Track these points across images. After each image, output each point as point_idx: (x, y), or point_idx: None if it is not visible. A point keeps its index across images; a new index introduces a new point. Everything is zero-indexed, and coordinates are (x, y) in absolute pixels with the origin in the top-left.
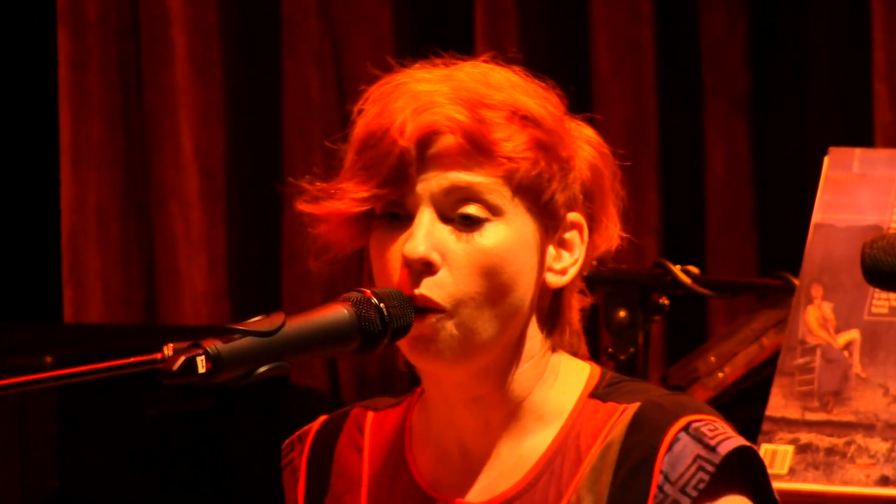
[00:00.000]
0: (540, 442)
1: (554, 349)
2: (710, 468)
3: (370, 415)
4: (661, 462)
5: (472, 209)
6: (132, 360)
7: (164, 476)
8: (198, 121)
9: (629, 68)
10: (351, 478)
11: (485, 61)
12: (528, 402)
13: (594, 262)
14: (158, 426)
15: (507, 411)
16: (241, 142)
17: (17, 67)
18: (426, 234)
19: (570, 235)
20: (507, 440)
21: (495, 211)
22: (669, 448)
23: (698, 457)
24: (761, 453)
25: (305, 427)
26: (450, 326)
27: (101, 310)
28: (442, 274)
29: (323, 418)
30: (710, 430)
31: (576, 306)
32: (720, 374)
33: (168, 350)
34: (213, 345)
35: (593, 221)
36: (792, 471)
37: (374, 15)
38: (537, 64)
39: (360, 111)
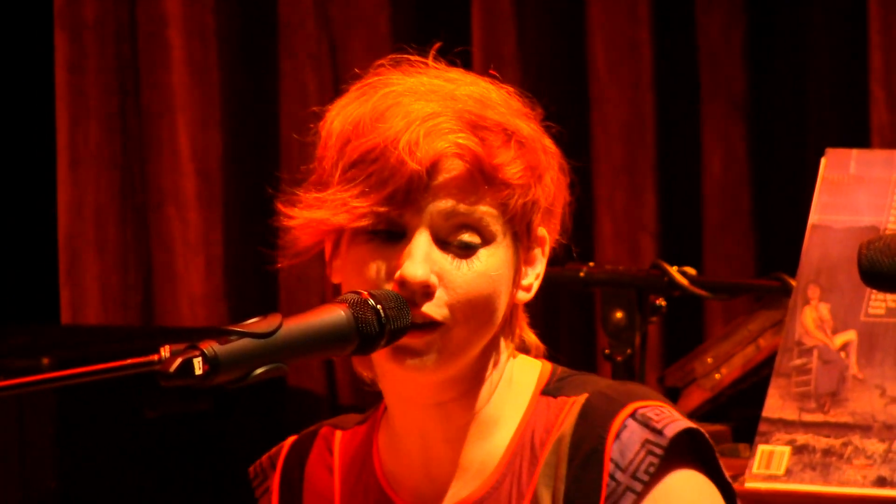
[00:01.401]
0: (498, 444)
1: (508, 351)
2: (658, 451)
3: (338, 434)
4: (611, 450)
5: (469, 237)
6: (129, 361)
7: (163, 477)
8: (195, 123)
9: (626, 70)
10: (323, 497)
11: (464, 71)
12: (488, 408)
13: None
14: (156, 428)
15: (470, 418)
16: (238, 144)
17: (15, 69)
18: (425, 257)
19: (535, 251)
20: (468, 446)
21: (487, 238)
22: (617, 436)
23: (647, 441)
24: (758, 454)
25: (274, 449)
26: (440, 342)
27: (98, 311)
28: (439, 293)
29: (291, 439)
30: (657, 415)
31: (523, 308)
32: (717, 376)
33: (165, 352)
34: (210, 346)
35: (552, 232)
36: (789, 472)
37: (372, 17)
38: (534, 67)
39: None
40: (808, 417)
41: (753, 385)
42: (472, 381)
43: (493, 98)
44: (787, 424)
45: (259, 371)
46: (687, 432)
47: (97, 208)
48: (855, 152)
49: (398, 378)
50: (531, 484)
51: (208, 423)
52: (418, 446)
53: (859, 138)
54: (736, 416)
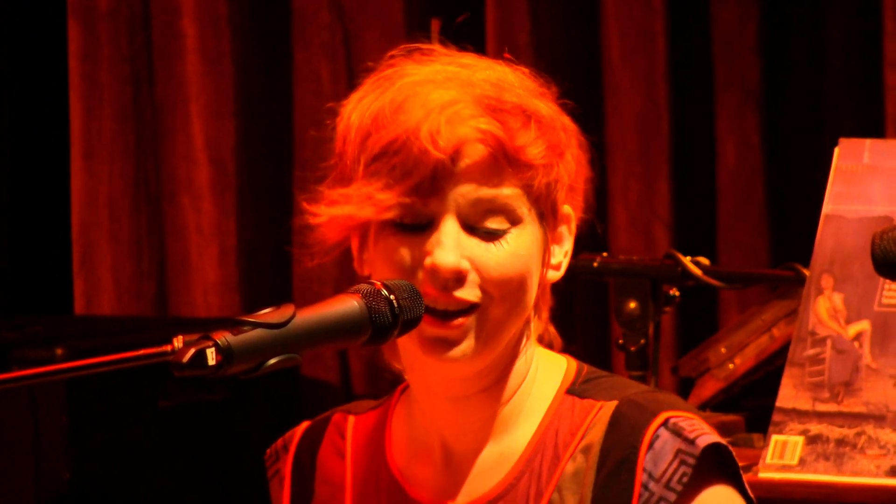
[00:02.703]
0: (519, 439)
1: (533, 344)
2: (691, 461)
3: (351, 419)
4: (644, 460)
5: (496, 222)
6: (143, 352)
7: (176, 468)
8: (209, 113)
9: (641, 60)
10: (334, 483)
11: (477, 55)
12: (513, 400)
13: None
14: (170, 418)
15: (496, 410)
16: (251, 133)
17: (29, 60)
18: (454, 244)
19: (562, 229)
20: (488, 439)
21: (515, 220)
22: (650, 446)
23: (679, 451)
24: (772, 444)
25: (288, 434)
26: (477, 325)
27: (111, 302)
28: (472, 277)
29: (304, 424)
30: (689, 425)
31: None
32: (731, 365)
33: (178, 342)
34: (224, 337)
35: (577, 209)
36: (802, 462)
37: (386, 7)
38: (549, 56)
39: (358, 103)
40: (821, 407)
41: (767, 375)
42: (503, 370)
43: (510, 81)
44: (800, 414)
45: (272, 361)
46: (717, 445)
47: (111, 198)
48: (869, 142)
49: (429, 371)
50: (550, 484)
51: (222, 414)
52: (438, 438)
53: (874, 128)
54: (749, 406)
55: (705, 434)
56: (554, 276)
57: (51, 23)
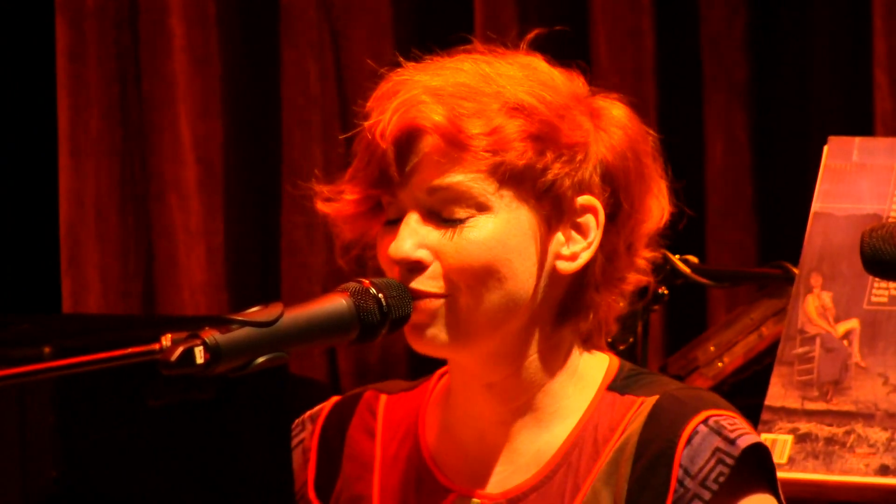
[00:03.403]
0: (557, 435)
1: (572, 339)
2: (729, 461)
3: (383, 398)
4: (681, 456)
5: (456, 210)
6: (131, 350)
7: (165, 466)
8: (196, 112)
9: (628, 58)
10: (363, 462)
11: (492, 50)
12: (543, 394)
13: (664, 242)
14: (158, 416)
15: (523, 401)
16: (239, 132)
17: (15, 58)
18: (410, 233)
19: (584, 219)
20: (524, 432)
21: (481, 207)
22: (689, 441)
23: (717, 449)
24: None
25: (317, 407)
26: (444, 311)
27: (99, 301)
28: (433, 267)
29: (335, 399)
30: (730, 424)
31: (605, 296)
32: (719, 364)
33: (166, 340)
34: (211, 335)
35: (618, 203)
36: (791, 460)
37: (374, 5)
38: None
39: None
40: (810, 406)
41: (756, 373)
42: (518, 359)
43: (489, 70)
44: (789, 413)
45: (260, 360)
46: (757, 446)
47: (98, 197)
48: (858, 140)
49: (451, 363)
50: (588, 479)
51: (210, 412)
52: (472, 426)
53: (862, 126)
54: (738, 405)
55: (747, 434)
56: (566, 266)
57: (38, 21)
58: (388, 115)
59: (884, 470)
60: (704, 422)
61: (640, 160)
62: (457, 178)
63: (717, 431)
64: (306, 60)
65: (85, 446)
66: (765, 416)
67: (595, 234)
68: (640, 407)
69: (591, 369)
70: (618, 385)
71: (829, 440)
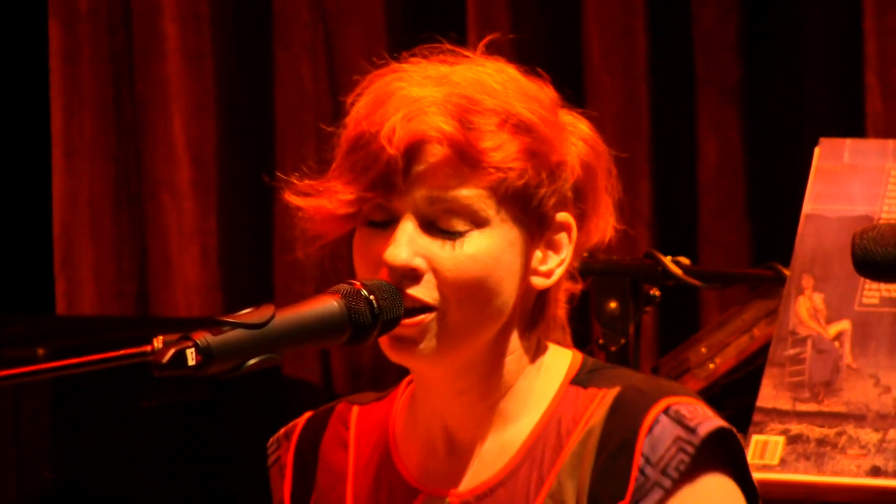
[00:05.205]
0: (522, 429)
1: (539, 342)
2: (690, 449)
3: (355, 409)
4: (642, 445)
5: (454, 222)
6: (123, 352)
7: (159, 467)
8: (190, 112)
9: (621, 58)
10: (336, 473)
11: (482, 52)
12: (511, 392)
13: (585, 253)
14: (153, 418)
15: (492, 402)
16: (233, 133)
17: (9, 59)
18: (408, 241)
19: (559, 237)
20: (491, 429)
21: (479, 223)
22: (649, 431)
23: (678, 438)
24: (752, 444)
25: (290, 424)
26: (435, 328)
27: (93, 302)
28: (427, 277)
29: (308, 414)
30: (690, 412)
31: (562, 300)
32: (711, 365)
33: (158, 342)
34: (203, 337)
35: (584, 218)
36: (783, 462)
37: (367, 6)
38: (529, 55)
39: (353, 104)
40: (802, 407)
41: (748, 375)
42: (488, 368)
43: (491, 80)
44: (781, 414)
45: (252, 361)
46: (719, 431)
47: (92, 198)
48: (849, 142)
49: (413, 369)
50: (552, 471)
51: (204, 413)
52: (440, 429)
53: (854, 127)
54: (730, 406)
55: (707, 420)
56: (541, 282)
57: (31, 22)
58: (395, 120)
59: (875, 471)
60: (665, 411)
61: (603, 176)
62: (462, 192)
63: (678, 420)
64: (300, 61)
65: (79, 447)
66: (756, 417)
67: (567, 251)
68: (603, 399)
69: (554, 365)
70: (581, 379)
71: (821, 441)
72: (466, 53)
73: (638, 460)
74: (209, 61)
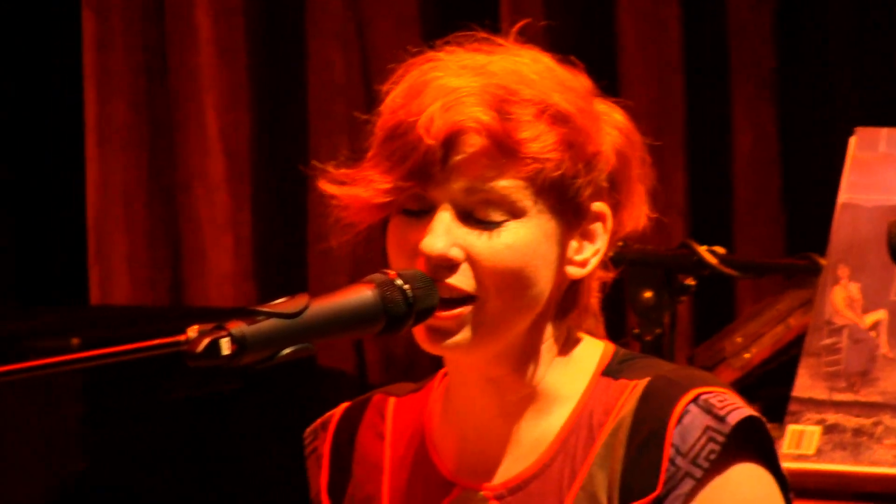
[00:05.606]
0: (554, 423)
1: (570, 332)
2: (720, 438)
3: (391, 401)
4: (672, 435)
5: (492, 213)
6: (157, 342)
7: (191, 457)
8: (223, 103)
9: (655, 48)
10: (373, 464)
11: (515, 40)
12: (543, 385)
13: (620, 242)
14: (185, 407)
15: (524, 394)
16: (265, 124)
17: (43, 50)
18: (445, 231)
19: (594, 227)
20: (522, 423)
21: (516, 213)
22: (679, 420)
23: (708, 428)
24: (788, 434)
25: (327, 414)
26: (475, 318)
27: (127, 292)
28: (464, 267)
29: (344, 405)
30: (720, 402)
31: (595, 288)
32: (746, 355)
33: (192, 332)
34: (237, 326)
35: (618, 207)
36: (819, 451)
37: None
38: (562, 44)
39: (389, 93)
40: (838, 397)
41: (783, 364)
42: (523, 356)
43: (528, 70)
44: (817, 404)
45: (286, 351)
46: (749, 420)
47: (125, 188)
48: (885, 131)
49: (446, 358)
50: (585, 463)
51: (239, 404)
52: (473, 421)
53: (890, 117)
54: (765, 396)
55: (737, 409)
56: (576, 272)
57: (66, 13)
58: (434, 110)
59: None
60: (695, 401)
61: (637, 165)
62: (500, 182)
63: (708, 410)
64: (332, 51)
65: (112, 437)
66: (792, 406)
67: (602, 241)
68: (633, 390)
69: (585, 356)
70: (612, 370)
71: (857, 431)
72: (500, 42)
73: (668, 451)
74: (241, 52)
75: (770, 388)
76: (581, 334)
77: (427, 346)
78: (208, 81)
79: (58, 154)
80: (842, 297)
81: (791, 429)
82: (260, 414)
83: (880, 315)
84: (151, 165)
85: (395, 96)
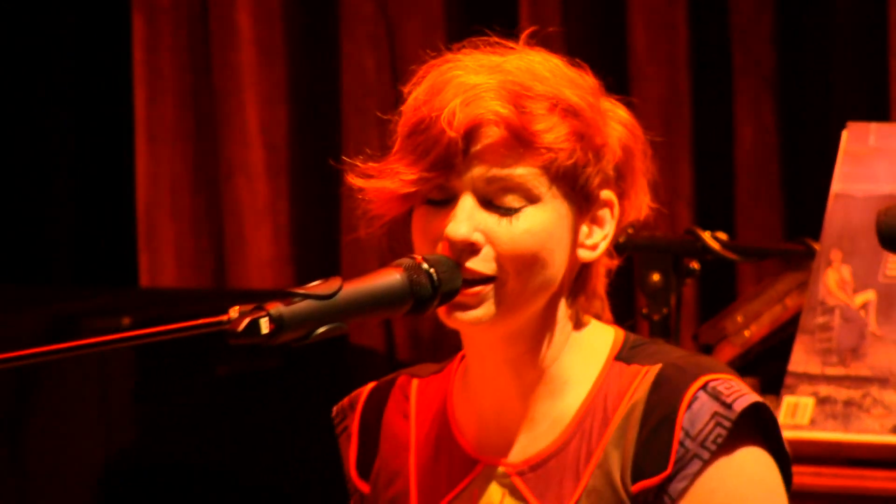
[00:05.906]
0: (570, 404)
1: (580, 315)
2: (727, 424)
3: (415, 382)
4: (682, 419)
5: (510, 199)
6: (201, 321)
7: (235, 429)
8: (262, 100)
9: (664, 49)
10: (399, 442)
11: (526, 43)
12: (557, 366)
13: (630, 230)
14: (229, 383)
15: (539, 374)
16: (302, 119)
17: (96, 51)
18: (468, 216)
19: (603, 213)
20: (540, 403)
21: (532, 199)
22: (689, 406)
23: (716, 413)
24: (784, 406)
25: (353, 393)
26: (493, 296)
27: (174, 275)
28: (485, 251)
29: (370, 386)
30: (727, 389)
31: (602, 273)
32: (747, 333)
33: (234, 312)
34: (276, 307)
35: (623, 196)
36: (813, 421)
37: (426, 1)
38: (578, 46)
39: (411, 92)
40: (830, 371)
41: (780, 342)
42: (537, 336)
43: (540, 68)
44: (811, 378)
45: (321, 330)
46: (754, 406)
47: (172, 179)
48: (874, 126)
49: (466, 339)
50: (601, 444)
51: (277, 379)
52: (492, 400)
53: (880, 112)
54: (764, 371)
55: (743, 396)
56: (587, 255)
57: (116, 16)
58: (455, 105)
59: None
60: (703, 388)
61: (640, 158)
62: (517, 170)
63: (716, 396)
64: (363, 52)
65: (163, 411)
66: (788, 380)
67: (610, 226)
68: (645, 376)
69: (598, 341)
70: (624, 355)
71: (848, 402)
72: (512, 45)
73: (678, 434)
74: (280, 52)
75: (768, 364)
76: (589, 318)
77: (450, 322)
78: (249, 79)
79: (110, 148)
80: (834, 279)
81: (787, 401)
82: (296, 390)
83: (869, 296)
84: (196, 158)
85: (417, 94)
